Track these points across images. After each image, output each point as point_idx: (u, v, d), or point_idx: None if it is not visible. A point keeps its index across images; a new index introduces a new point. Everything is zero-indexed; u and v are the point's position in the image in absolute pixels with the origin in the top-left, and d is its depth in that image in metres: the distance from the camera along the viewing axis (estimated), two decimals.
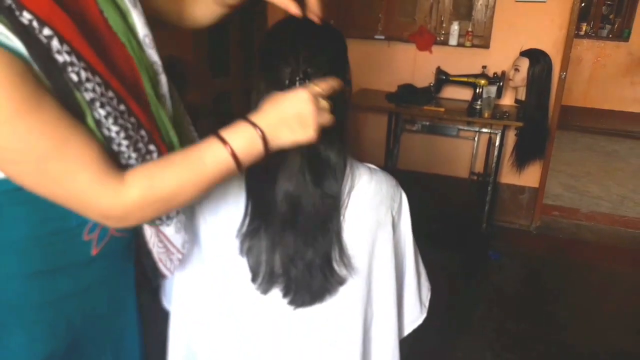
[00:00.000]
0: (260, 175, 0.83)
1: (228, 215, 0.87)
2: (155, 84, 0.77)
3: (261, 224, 0.84)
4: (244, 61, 3.50)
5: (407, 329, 1.04)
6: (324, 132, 0.78)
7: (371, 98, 3.39)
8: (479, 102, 3.08)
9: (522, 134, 3.04)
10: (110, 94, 0.66)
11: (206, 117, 3.10)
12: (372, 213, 0.89)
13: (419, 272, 1.03)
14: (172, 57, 2.70)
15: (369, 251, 0.90)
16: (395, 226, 0.93)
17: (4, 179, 0.67)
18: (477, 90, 3.09)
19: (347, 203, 0.86)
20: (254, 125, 0.72)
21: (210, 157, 0.70)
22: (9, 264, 0.76)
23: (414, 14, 3.46)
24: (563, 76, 3.21)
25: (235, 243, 0.85)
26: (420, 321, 1.05)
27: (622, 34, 6.08)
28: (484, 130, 3.19)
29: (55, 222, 0.76)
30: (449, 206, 3.50)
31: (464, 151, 3.54)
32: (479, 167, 3.51)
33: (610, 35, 6.20)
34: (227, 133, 0.72)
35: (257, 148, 0.72)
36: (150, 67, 0.76)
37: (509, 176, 3.41)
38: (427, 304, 1.06)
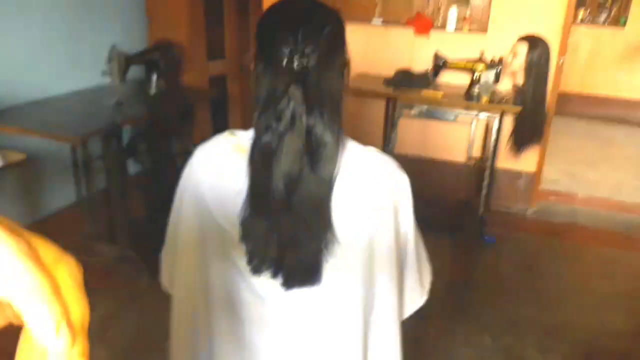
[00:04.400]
0: (260, 159, 0.83)
1: (233, 202, 0.86)
2: None
3: (259, 208, 0.84)
4: (239, 44, 3.47)
5: (408, 312, 1.04)
6: (322, 113, 0.79)
7: (369, 83, 3.37)
8: (476, 87, 3.07)
9: (520, 118, 3.04)
10: None
11: (203, 99, 3.09)
12: (368, 195, 0.88)
13: (419, 255, 1.03)
14: (168, 41, 2.68)
15: (367, 233, 0.89)
16: (395, 209, 0.93)
17: None
18: (475, 76, 3.08)
19: (342, 185, 0.85)
20: None
21: None
22: None
23: None
24: (561, 62, 3.20)
25: (237, 229, 0.85)
26: (421, 303, 1.05)
27: (618, 21, 6.06)
28: (482, 115, 3.18)
29: None
30: (446, 191, 3.52)
31: (461, 136, 3.54)
32: (477, 152, 3.51)
33: (607, 22, 6.18)
34: None
35: None
36: None
37: (506, 161, 3.41)
38: (428, 287, 1.06)
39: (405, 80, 3.27)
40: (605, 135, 5.50)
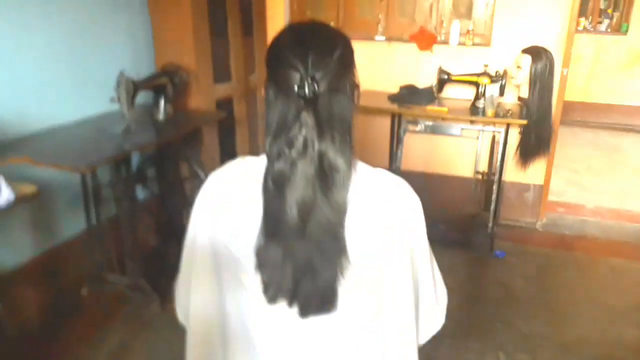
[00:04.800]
0: (273, 186, 0.83)
1: (247, 231, 0.86)
2: None
3: (273, 235, 0.83)
4: (244, 65, 3.50)
5: (426, 336, 1.03)
6: (333, 138, 0.80)
7: (373, 99, 3.37)
8: (482, 101, 3.08)
9: (526, 131, 3.04)
10: None
11: (210, 123, 3.10)
12: (379, 216, 0.88)
13: (435, 278, 1.02)
14: (175, 65, 2.70)
15: (379, 253, 0.89)
16: (407, 230, 0.92)
17: None
18: (480, 89, 3.09)
19: (354, 208, 0.85)
20: None
21: None
22: None
23: (413, 14, 3.46)
24: (565, 72, 3.21)
25: (252, 258, 0.85)
26: (438, 327, 1.04)
27: (620, 28, 6.07)
28: (487, 128, 3.18)
29: None
30: (454, 206, 3.50)
31: (467, 150, 3.54)
32: (483, 165, 3.50)
33: (609, 30, 6.19)
34: None
35: None
36: None
37: (513, 174, 3.41)
38: (444, 310, 1.05)
39: (410, 96, 3.28)
40: (611, 143, 5.49)
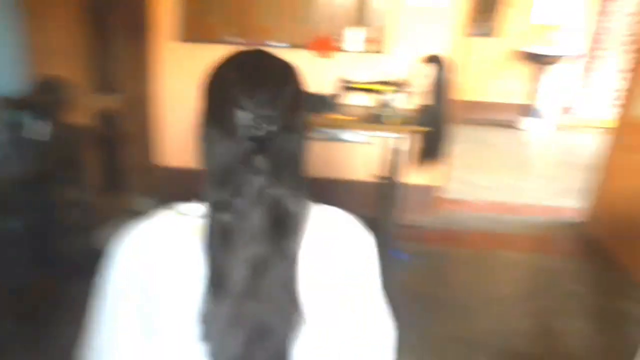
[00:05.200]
0: (219, 242, 0.73)
1: (185, 295, 0.75)
2: None
3: (220, 298, 0.73)
4: (131, 75, 3.17)
5: None
6: (289, 182, 0.75)
7: None
8: (382, 109, 3.09)
9: (428, 137, 3.11)
10: None
11: (92, 142, 2.76)
12: (334, 262, 0.82)
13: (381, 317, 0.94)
14: (54, 79, 2.34)
15: (335, 303, 0.82)
16: (363, 273, 0.87)
17: None
18: (381, 97, 3.09)
19: (306, 254, 0.77)
20: None
21: None
22: None
23: (307, 20, 3.38)
24: (457, 77, 3.34)
25: (191, 326, 0.74)
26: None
27: (492, 31, 6.51)
28: (389, 135, 3.21)
29: None
30: (354, 210, 3.49)
31: (368, 156, 3.56)
32: (383, 170, 3.54)
33: (485, 33, 6.62)
34: None
35: None
36: None
37: (411, 176, 3.49)
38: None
39: (310, 104, 3.19)
40: (490, 139, 5.88)
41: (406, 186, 3.51)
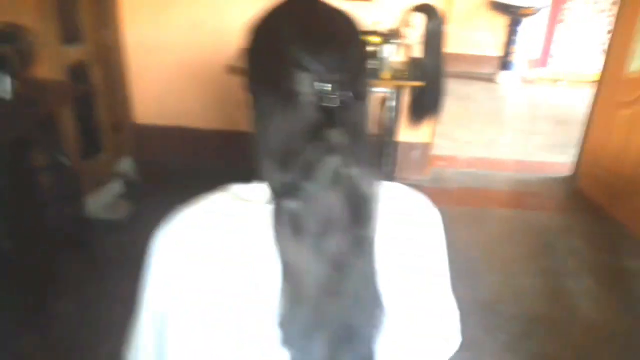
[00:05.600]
0: (287, 232, 0.62)
1: (258, 297, 0.65)
2: None
3: (299, 299, 0.63)
4: (97, 22, 2.88)
5: None
6: (362, 159, 0.63)
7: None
8: (374, 62, 2.93)
9: (420, 93, 2.99)
10: None
11: (65, 97, 2.50)
12: (406, 249, 0.72)
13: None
14: (16, 26, 2.06)
15: (411, 294, 0.73)
16: (432, 262, 0.76)
17: None
18: (372, 49, 2.93)
19: (380, 244, 0.67)
20: None
21: None
22: None
23: None
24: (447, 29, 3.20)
25: (268, 332, 0.64)
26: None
27: None
28: (379, 90, 3.07)
29: None
30: None
31: None
32: (374, 127, 3.42)
33: None
34: None
35: None
36: None
37: (401, 134, 3.38)
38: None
39: None
40: (464, 92, 5.81)
41: (399, 144, 3.42)
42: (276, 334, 0.63)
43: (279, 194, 0.62)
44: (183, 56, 3.34)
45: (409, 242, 0.73)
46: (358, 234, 0.63)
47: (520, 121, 5.03)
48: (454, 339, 0.83)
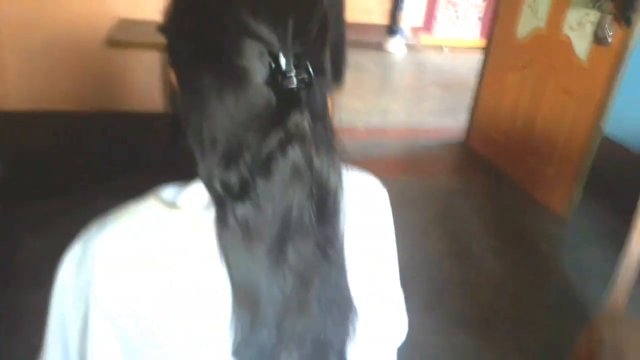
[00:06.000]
0: (238, 244, 0.51)
1: (206, 323, 0.55)
2: None
3: (256, 322, 0.53)
4: None
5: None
6: (321, 144, 0.53)
7: (135, 31, 2.73)
8: None
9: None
10: None
11: None
12: (365, 237, 0.65)
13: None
14: None
15: (373, 287, 0.67)
16: (386, 254, 0.72)
17: None
18: None
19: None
20: None
21: None
22: None
23: None
24: None
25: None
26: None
27: None
28: None
29: None
30: None
31: None
32: None
33: None
34: None
35: None
36: None
37: None
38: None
39: None
40: (353, 61, 5.80)
41: None
42: None
43: (224, 198, 0.50)
44: (51, 32, 2.91)
45: (368, 229, 0.67)
46: (325, 234, 0.54)
47: (411, 88, 5.14)
48: (404, 322, 0.79)
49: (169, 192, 0.57)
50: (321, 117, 0.55)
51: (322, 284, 0.55)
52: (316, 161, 0.52)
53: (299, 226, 0.52)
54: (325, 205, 0.54)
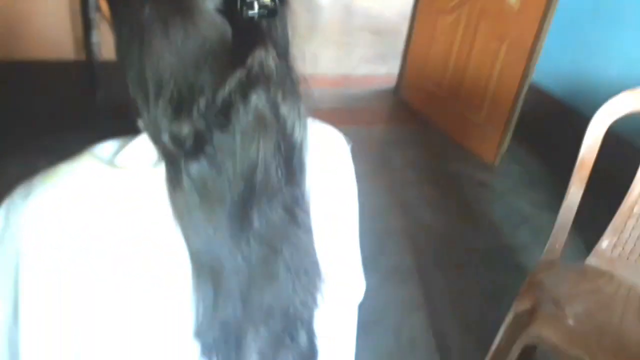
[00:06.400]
0: (193, 207, 0.45)
1: (158, 300, 0.48)
2: None
3: (220, 296, 0.48)
4: None
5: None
6: (286, 87, 0.47)
7: None
8: None
9: None
10: None
11: None
12: (329, 201, 0.61)
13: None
14: None
15: (335, 249, 0.63)
16: (347, 213, 0.67)
17: None
18: None
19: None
20: None
21: None
22: None
23: None
24: None
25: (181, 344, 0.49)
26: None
27: None
28: None
29: None
30: None
31: None
32: None
33: None
34: None
35: None
36: None
37: None
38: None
39: None
40: None
41: None
42: (189, 346, 0.48)
43: (174, 154, 0.44)
44: None
45: (331, 188, 0.62)
46: (292, 194, 0.50)
47: (339, 33, 4.99)
48: (362, 284, 0.75)
49: (107, 148, 0.47)
50: (284, 55, 0.48)
51: (291, 250, 0.51)
52: (283, 109, 0.46)
53: (265, 186, 0.46)
54: (291, 162, 0.49)
